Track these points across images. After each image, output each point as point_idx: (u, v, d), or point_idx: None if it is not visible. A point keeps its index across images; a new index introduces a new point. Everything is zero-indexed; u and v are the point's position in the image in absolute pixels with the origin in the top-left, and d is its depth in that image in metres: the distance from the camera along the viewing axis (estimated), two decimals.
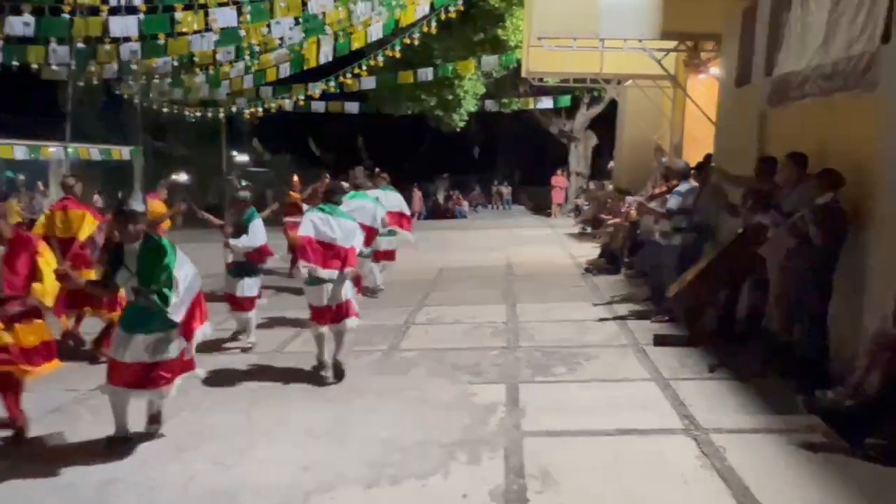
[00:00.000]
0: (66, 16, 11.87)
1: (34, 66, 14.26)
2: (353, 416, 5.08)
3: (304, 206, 9.07)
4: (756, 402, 5.07)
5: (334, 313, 6.00)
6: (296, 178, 12.04)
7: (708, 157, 8.88)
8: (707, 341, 6.43)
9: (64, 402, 5.61)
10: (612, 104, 20.53)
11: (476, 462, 4.24)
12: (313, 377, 5.99)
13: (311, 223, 5.97)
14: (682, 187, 7.37)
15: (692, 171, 7.66)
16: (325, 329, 6.03)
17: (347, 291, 6.04)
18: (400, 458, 4.32)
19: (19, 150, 17.95)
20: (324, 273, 5.85)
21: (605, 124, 22.75)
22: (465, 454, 4.34)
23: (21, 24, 11.51)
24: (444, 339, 7.20)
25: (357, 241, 6.16)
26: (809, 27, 6.14)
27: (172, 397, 5.01)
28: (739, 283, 6.56)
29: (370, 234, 7.81)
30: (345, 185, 8.01)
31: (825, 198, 5.15)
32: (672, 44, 11.60)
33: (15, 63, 13.26)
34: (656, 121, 15.24)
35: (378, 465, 4.22)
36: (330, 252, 5.92)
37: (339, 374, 5.91)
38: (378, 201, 8.53)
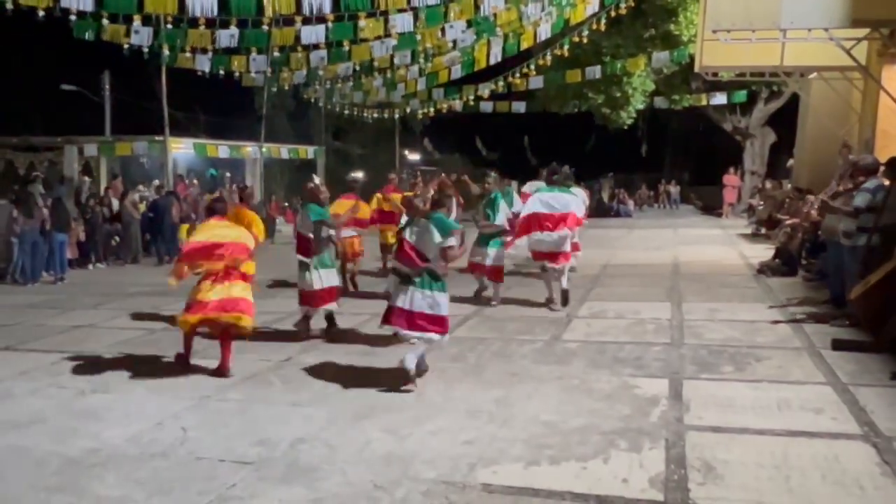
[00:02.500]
0: (265, 27, 13.16)
1: (237, 73, 15.94)
2: (515, 398, 5.30)
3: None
4: None
5: None
6: (392, 177, 10.64)
7: None
8: (892, 347, 6.00)
9: (258, 370, 6.31)
10: (794, 98, 19.29)
11: (636, 450, 4.29)
12: (478, 361, 6.32)
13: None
14: (871, 184, 6.91)
15: (882, 168, 7.13)
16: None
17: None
18: (560, 440, 4.47)
19: (222, 150, 20.11)
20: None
21: (785, 120, 21.40)
22: (625, 442, 4.41)
23: (228, 36, 12.93)
24: (605, 332, 7.25)
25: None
26: None
27: (350, 370, 5.57)
28: None
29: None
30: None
31: None
32: (863, 32, 10.74)
33: (221, 71, 14.94)
34: (843, 115, 14.15)
35: (538, 445, 4.39)
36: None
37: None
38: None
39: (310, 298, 7.33)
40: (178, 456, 4.43)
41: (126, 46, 14.46)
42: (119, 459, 4.40)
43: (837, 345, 6.28)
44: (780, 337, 6.85)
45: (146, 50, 14.61)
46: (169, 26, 14.58)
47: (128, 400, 5.60)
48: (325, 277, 7.33)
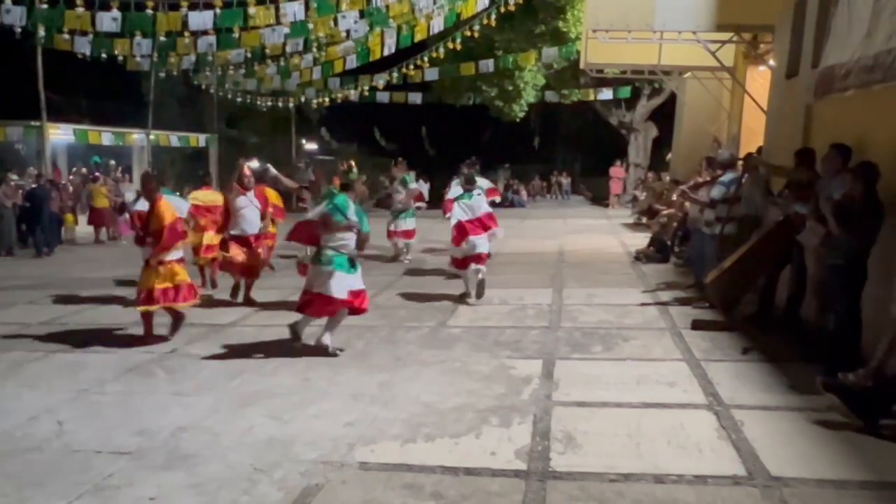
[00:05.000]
0: (150, 11, 12.74)
1: (120, 58, 15.31)
2: (397, 382, 5.51)
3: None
4: (782, 382, 5.27)
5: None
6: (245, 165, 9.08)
7: (760, 149, 8.96)
8: (743, 326, 6.61)
9: (141, 361, 6.23)
10: (673, 96, 20.43)
11: (507, 426, 4.58)
12: (365, 347, 6.50)
13: None
14: (726, 178, 7.53)
15: (739, 162, 7.79)
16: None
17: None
18: (436, 419, 4.71)
19: (106, 137, 19.20)
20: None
21: (666, 116, 22.63)
22: (497, 419, 4.70)
23: (110, 19, 12.44)
24: (489, 318, 7.58)
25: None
26: (855, 20, 6.21)
27: (236, 360, 5.63)
28: (777, 271, 6.70)
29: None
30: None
31: (839, 192, 5.29)
32: (728, 36, 11.59)
33: (103, 55, 14.32)
34: (714, 112, 15.19)
35: (416, 424, 4.62)
36: None
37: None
38: None
39: None
40: (53, 449, 4.38)
41: None
42: None
43: (696, 325, 6.83)
44: (647, 319, 7.37)
45: (18, 30, 13.78)
46: (44, 6, 13.81)
47: None
48: None
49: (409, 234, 11.90)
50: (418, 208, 12.29)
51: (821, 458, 4.01)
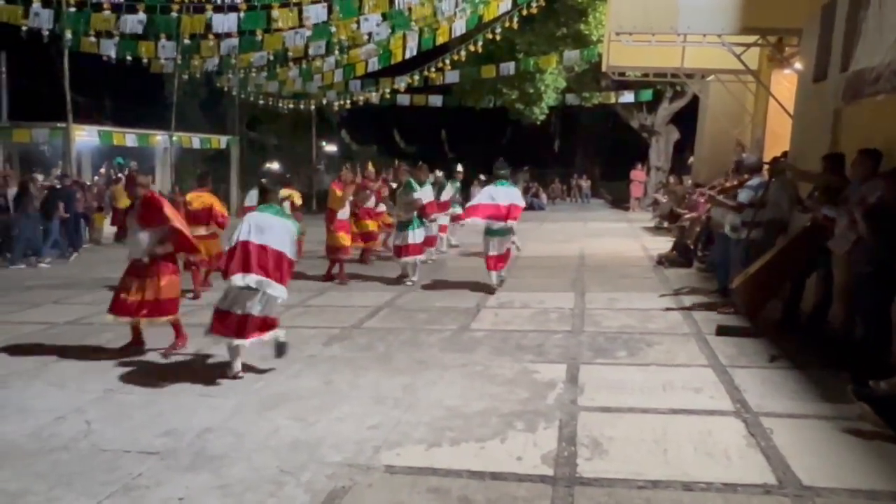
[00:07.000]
0: (175, 14, 12.88)
1: (145, 60, 15.49)
2: (420, 385, 5.50)
3: None
4: (810, 390, 5.19)
5: None
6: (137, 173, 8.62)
7: (786, 153, 8.87)
8: (768, 332, 6.53)
9: (165, 363, 6.30)
10: (696, 98, 20.28)
11: (532, 431, 4.56)
12: (387, 350, 6.50)
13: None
14: (754, 182, 7.46)
15: (766, 166, 7.70)
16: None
17: None
18: (461, 423, 4.69)
19: (130, 138, 19.36)
20: None
21: (688, 119, 22.46)
22: (522, 423, 4.67)
23: (136, 21, 12.59)
24: (511, 321, 7.55)
25: None
26: (886, 24, 6.10)
27: (259, 362, 5.67)
28: (804, 277, 6.61)
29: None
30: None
31: (874, 196, 5.21)
32: (753, 39, 11.47)
33: (128, 57, 14.49)
34: (738, 116, 15.03)
35: (440, 428, 4.61)
36: None
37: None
38: None
39: None
40: (81, 449, 4.41)
41: (24, 28, 13.82)
42: (16, 454, 4.34)
43: (721, 330, 6.75)
44: (670, 324, 7.31)
45: (46, 33, 13.99)
46: (72, 9, 14.01)
47: (26, 395, 5.48)
48: None
49: (414, 249, 10.02)
50: (432, 220, 11.00)
51: (852, 468, 3.94)
